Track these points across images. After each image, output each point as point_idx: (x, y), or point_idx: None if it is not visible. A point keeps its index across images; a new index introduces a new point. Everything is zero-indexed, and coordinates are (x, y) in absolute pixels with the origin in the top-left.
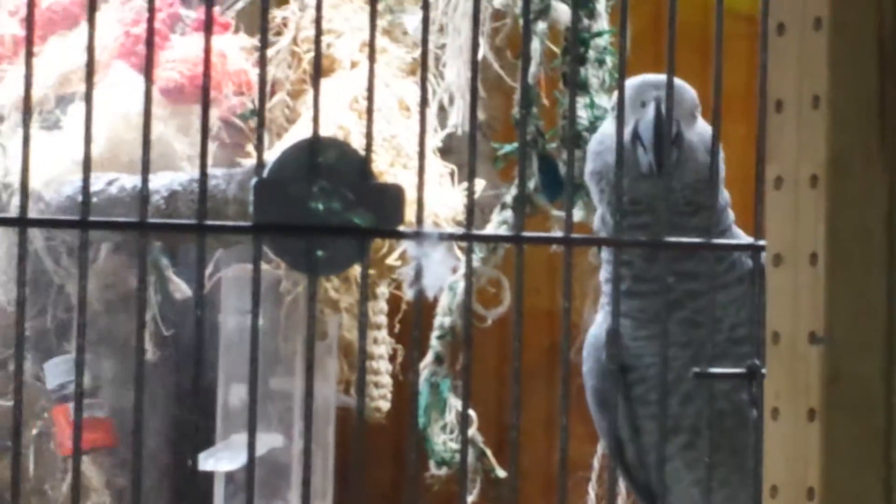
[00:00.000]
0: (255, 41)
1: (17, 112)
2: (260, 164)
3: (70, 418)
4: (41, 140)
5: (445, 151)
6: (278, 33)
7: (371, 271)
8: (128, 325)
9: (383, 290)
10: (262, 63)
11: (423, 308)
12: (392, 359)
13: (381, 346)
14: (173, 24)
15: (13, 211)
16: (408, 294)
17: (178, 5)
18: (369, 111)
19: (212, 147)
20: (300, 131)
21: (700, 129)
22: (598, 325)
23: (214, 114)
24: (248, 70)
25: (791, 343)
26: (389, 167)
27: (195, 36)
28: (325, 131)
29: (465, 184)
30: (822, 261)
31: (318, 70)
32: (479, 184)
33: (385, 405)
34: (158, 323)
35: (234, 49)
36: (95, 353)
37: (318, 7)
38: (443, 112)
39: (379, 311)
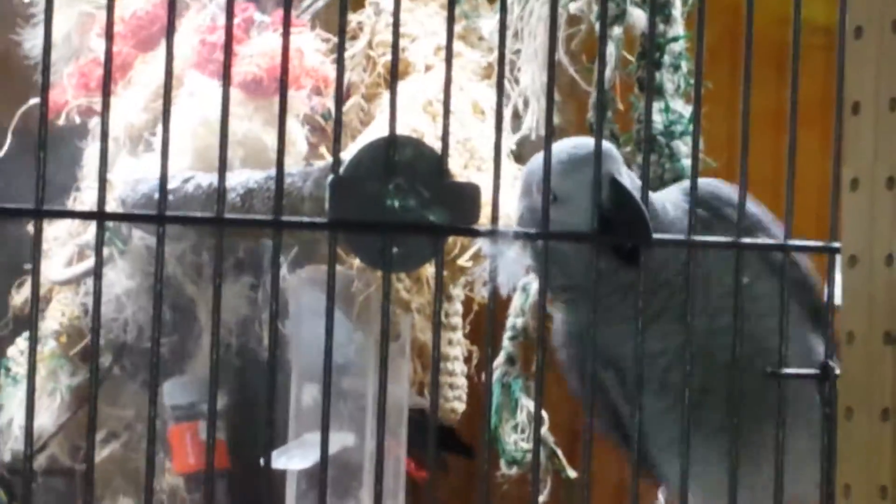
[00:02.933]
0: (331, 42)
1: (126, 138)
2: (336, 162)
3: (197, 437)
4: (144, 163)
5: (518, 156)
6: (353, 37)
7: (444, 273)
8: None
9: (458, 291)
10: (340, 63)
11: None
12: (467, 360)
13: (456, 347)
14: (248, 28)
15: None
16: (480, 294)
17: (252, 10)
18: (445, 111)
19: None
20: (374, 133)
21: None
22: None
23: (296, 111)
24: (326, 67)
25: (865, 343)
26: (463, 169)
27: (271, 33)
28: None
29: None
30: None
31: (396, 68)
32: None
33: (460, 406)
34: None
35: (310, 46)
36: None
37: (396, 10)
38: (516, 117)
39: (454, 312)
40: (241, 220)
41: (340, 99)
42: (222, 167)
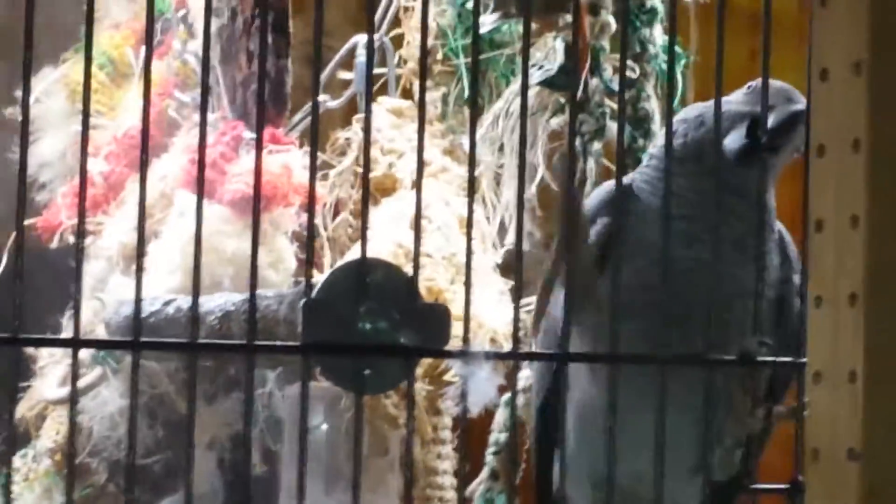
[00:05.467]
0: (320, 159)
1: (119, 257)
2: (308, 285)
3: None
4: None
5: (508, 268)
6: (342, 153)
7: (430, 387)
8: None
9: (448, 404)
10: (311, 185)
11: (482, 424)
12: (464, 473)
13: (446, 461)
14: (237, 146)
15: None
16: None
17: (241, 128)
18: (416, 232)
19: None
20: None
21: None
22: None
23: (285, 228)
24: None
25: (830, 459)
26: (450, 285)
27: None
28: (385, 250)
29: (525, 300)
30: (860, 378)
31: (366, 191)
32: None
33: None
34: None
35: (298, 164)
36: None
37: (367, 125)
38: (502, 231)
39: (443, 426)
40: (215, 344)
41: (312, 222)
42: (195, 292)
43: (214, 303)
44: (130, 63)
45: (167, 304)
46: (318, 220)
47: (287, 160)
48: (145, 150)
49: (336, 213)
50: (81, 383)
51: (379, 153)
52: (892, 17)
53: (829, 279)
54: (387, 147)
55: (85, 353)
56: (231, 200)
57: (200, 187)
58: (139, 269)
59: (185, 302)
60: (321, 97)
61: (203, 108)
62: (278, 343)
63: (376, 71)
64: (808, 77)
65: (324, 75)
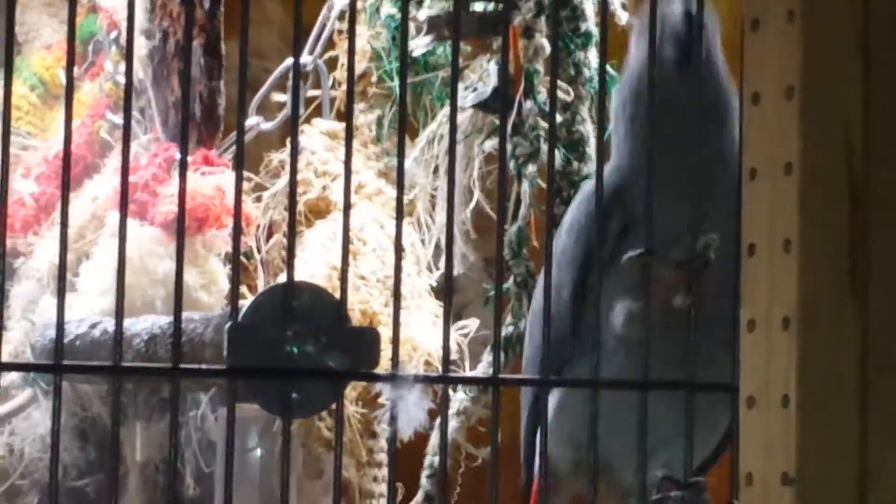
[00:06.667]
0: (253, 181)
1: (49, 278)
2: (234, 308)
3: None
4: (68, 302)
5: (439, 291)
6: (276, 175)
7: (364, 410)
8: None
9: (384, 426)
10: (237, 207)
11: (419, 446)
12: (393, 498)
13: (382, 484)
14: (169, 168)
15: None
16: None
17: (173, 150)
18: (344, 255)
19: (223, 287)
20: (297, 271)
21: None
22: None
23: (218, 250)
24: (248, 204)
25: (764, 484)
26: (384, 307)
27: (192, 174)
28: (319, 272)
29: (461, 323)
30: (793, 403)
31: (293, 213)
32: (475, 323)
33: None
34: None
35: (231, 186)
36: None
37: (294, 147)
38: (439, 252)
39: (379, 449)
40: (139, 367)
41: (238, 245)
42: (119, 315)
43: (141, 325)
44: (62, 84)
45: (93, 326)
46: (251, 243)
47: (220, 182)
48: (67, 173)
49: (270, 235)
50: (12, 405)
51: (313, 175)
52: (824, 41)
53: (762, 303)
54: (321, 169)
55: (13, 376)
56: (163, 222)
57: (124, 210)
58: (61, 293)
59: (111, 324)
60: (255, 119)
61: (126, 128)
62: (204, 367)
63: (311, 93)
64: (740, 100)
65: (258, 97)
